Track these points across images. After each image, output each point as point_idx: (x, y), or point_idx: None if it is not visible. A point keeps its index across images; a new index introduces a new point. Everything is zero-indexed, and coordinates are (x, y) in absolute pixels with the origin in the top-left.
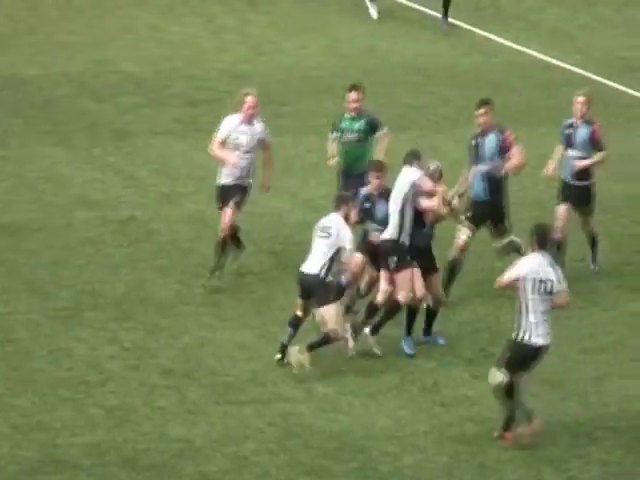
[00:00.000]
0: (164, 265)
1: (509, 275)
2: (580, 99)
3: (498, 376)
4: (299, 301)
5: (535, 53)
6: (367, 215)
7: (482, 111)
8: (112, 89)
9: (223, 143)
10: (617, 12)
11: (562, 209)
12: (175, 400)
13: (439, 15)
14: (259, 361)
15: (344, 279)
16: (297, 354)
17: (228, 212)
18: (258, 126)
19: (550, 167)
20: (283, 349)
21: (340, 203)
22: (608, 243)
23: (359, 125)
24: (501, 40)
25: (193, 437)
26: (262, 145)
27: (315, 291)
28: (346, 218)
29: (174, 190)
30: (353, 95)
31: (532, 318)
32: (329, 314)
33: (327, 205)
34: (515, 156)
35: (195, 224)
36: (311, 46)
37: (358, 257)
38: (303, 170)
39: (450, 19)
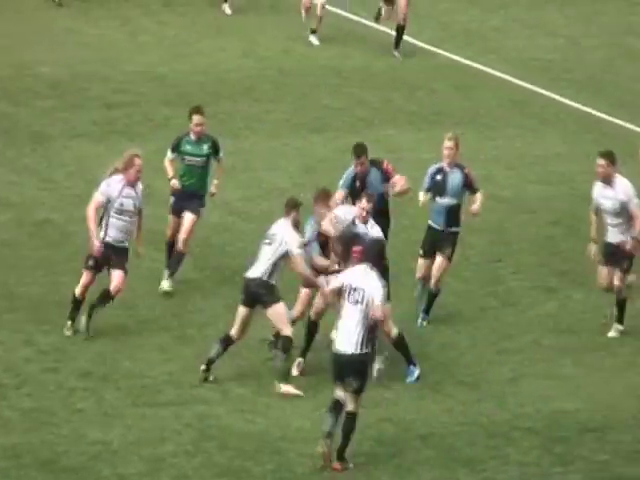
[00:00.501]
0: (80, 268)
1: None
2: (449, 144)
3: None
4: (240, 310)
5: (449, 54)
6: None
7: None
8: (29, 92)
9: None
10: (530, 13)
11: (423, 261)
12: (92, 402)
13: (354, 17)
14: (176, 363)
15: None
16: (280, 388)
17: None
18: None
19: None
20: (209, 363)
21: (289, 209)
22: (524, 244)
23: (205, 148)
24: (415, 41)
25: (110, 439)
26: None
27: (259, 294)
28: (295, 224)
29: (90, 193)
30: (198, 118)
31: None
32: (277, 313)
33: (244, 207)
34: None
35: None
36: (228, 48)
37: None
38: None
39: (364, 20)
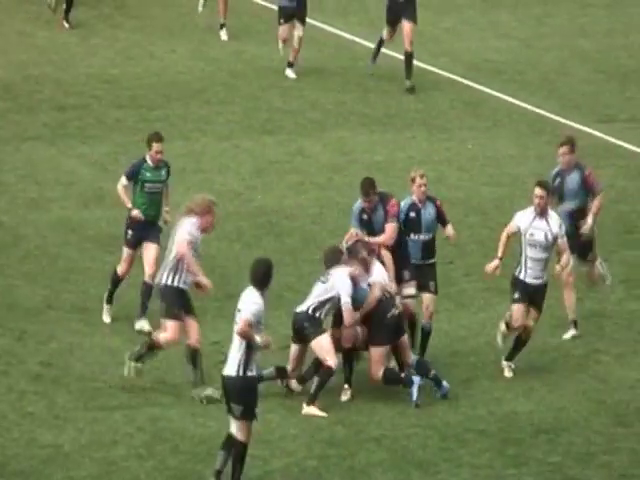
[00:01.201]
0: (32, 271)
1: None
2: (421, 181)
3: None
4: (292, 347)
5: (402, 56)
6: None
7: None
8: None
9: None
10: (483, 15)
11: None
12: (44, 406)
13: (307, 19)
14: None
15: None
16: (306, 410)
17: None
18: None
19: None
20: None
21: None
22: (476, 246)
23: (163, 174)
24: (368, 43)
25: (62, 443)
26: None
27: (303, 327)
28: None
29: (42, 195)
30: (158, 146)
31: None
32: (320, 345)
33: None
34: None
35: (63, 229)
36: (179, 50)
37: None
38: (171, 175)
39: (315, 22)
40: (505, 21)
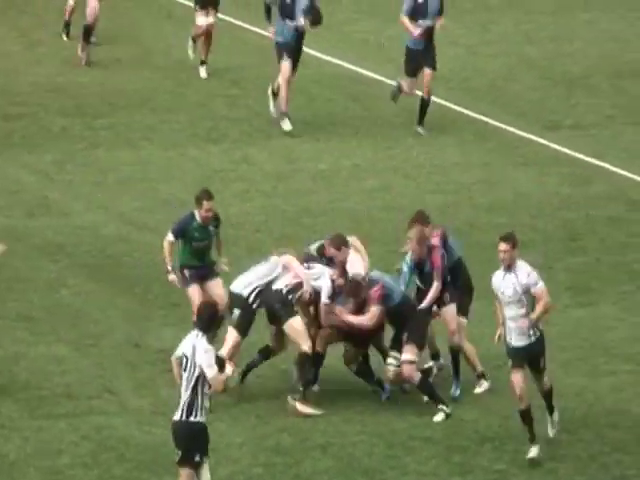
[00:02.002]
0: None
1: None
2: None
3: None
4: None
5: (347, 64)
6: None
7: None
8: None
9: None
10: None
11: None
12: None
13: (252, 28)
14: (73, 375)
15: None
16: (299, 408)
17: None
18: None
19: None
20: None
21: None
22: None
23: (211, 230)
24: (313, 52)
25: (7, 452)
26: None
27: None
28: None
29: None
30: (209, 204)
31: None
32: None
33: (140, 218)
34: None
35: (8, 238)
36: (124, 59)
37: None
38: (117, 183)
39: (262, 31)
40: (450, 28)
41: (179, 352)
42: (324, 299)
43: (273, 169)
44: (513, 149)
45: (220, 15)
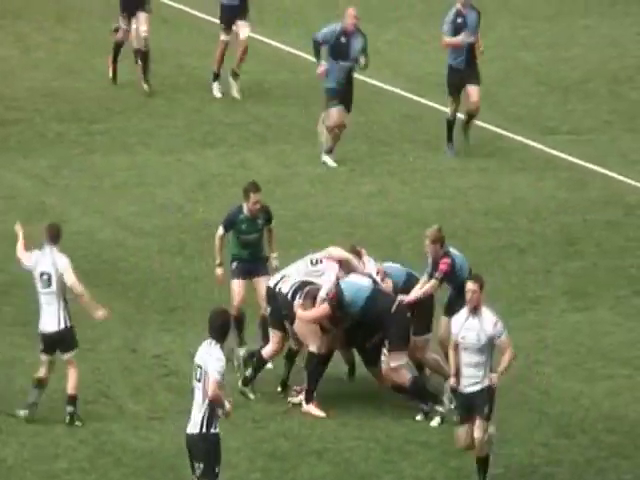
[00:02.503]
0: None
1: None
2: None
3: None
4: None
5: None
6: None
7: None
8: None
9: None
10: (424, 28)
11: None
12: None
13: (250, 34)
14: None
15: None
16: (305, 408)
17: None
18: None
19: None
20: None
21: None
22: (418, 258)
23: (260, 223)
24: (308, 57)
25: (4, 456)
26: None
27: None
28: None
29: None
30: (256, 196)
31: None
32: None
33: (137, 223)
34: None
35: (4, 243)
36: (120, 63)
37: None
38: (113, 188)
39: (256, 35)
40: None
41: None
42: (322, 293)
43: (270, 174)
44: (510, 154)
45: (215, 19)
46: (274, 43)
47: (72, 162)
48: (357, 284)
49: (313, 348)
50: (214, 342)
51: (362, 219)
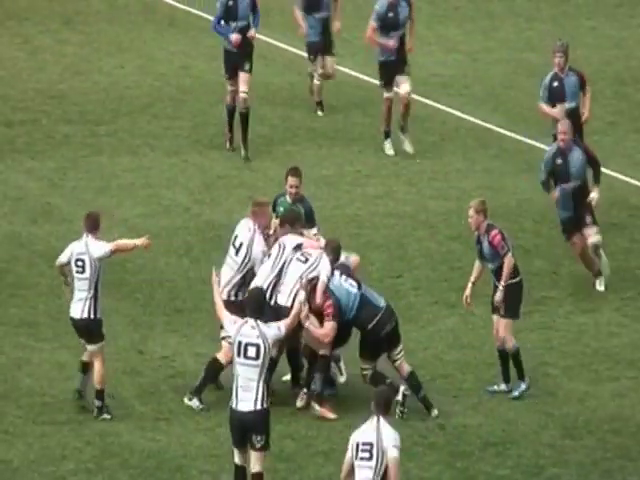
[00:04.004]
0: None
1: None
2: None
3: None
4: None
5: (349, 71)
6: None
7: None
8: None
9: None
10: (429, 29)
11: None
12: None
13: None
14: (77, 381)
15: None
16: (317, 410)
17: None
18: None
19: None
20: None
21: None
22: (424, 260)
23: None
24: None
25: (11, 457)
26: None
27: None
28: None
29: None
30: (293, 180)
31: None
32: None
33: (143, 224)
34: None
35: (11, 245)
36: (127, 65)
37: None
38: (119, 189)
39: (262, 37)
40: (452, 35)
41: (233, 339)
42: (323, 278)
43: (276, 175)
44: (515, 155)
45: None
46: (281, 45)
47: (79, 164)
48: (347, 290)
49: (323, 351)
50: (255, 320)
51: (368, 220)
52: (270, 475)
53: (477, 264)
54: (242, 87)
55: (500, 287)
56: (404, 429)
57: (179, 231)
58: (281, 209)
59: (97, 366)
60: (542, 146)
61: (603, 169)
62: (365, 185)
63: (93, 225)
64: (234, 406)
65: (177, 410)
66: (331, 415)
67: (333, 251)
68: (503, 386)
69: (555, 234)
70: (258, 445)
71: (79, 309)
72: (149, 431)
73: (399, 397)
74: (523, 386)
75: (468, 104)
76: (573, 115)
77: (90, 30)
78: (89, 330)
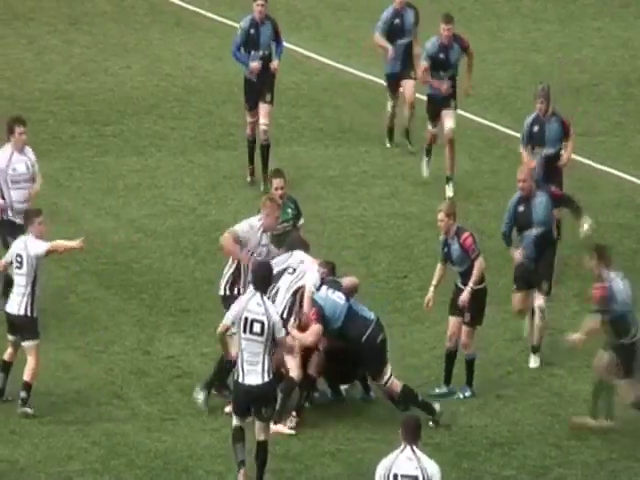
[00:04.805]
0: None
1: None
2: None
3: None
4: None
5: (356, 71)
6: None
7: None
8: None
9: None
10: (435, 29)
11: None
12: None
13: None
14: (83, 381)
15: None
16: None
17: None
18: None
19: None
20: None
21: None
22: (430, 260)
23: (289, 212)
24: (322, 59)
25: (17, 457)
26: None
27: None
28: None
29: None
30: (278, 182)
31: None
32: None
33: (150, 224)
34: None
35: None
36: (133, 66)
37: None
38: (125, 190)
39: None
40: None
41: (238, 316)
42: (309, 286)
43: None
44: (522, 156)
45: (234, 24)
46: (286, 45)
47: (85, 164)
48: (333, 300)
49: (294, 375)
50: (260, 294)
51: (374, 221)
52: (276, 475)
53: (439, 267)
54: (263, 119)
55: (468, 289)
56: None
57: (185, 231)
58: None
59: (31, 362)
60: None
61: (610, 169)
62: (371, 186)
63: (28, 221)
64: (240, 380)
65: (183, 410)
66: (286, 431)
67: (327, 266)
68: (444, 388)
69: (562, 235)
70: (266, 416)
71: (16, 304)
72: (155, 431)
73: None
74: (468, 392)
75: (475, 105)
76: (551, 160)
77: (97, 31)
78: (23, 327)
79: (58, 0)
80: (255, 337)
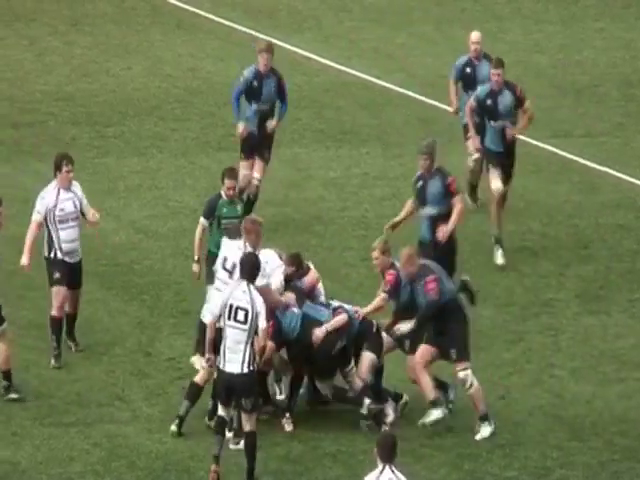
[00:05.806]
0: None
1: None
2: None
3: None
4: None
5: (357, 72)
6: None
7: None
8: None
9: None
10: (437, 30)
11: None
12: (0, 422)
13: (261, 36)
14: (84, 383)
15: None
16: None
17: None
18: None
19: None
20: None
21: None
22: None
23: (239, 209)
24: (323, 60)
25: (18, 459)
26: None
27: None
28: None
29: None
30: (231, 182)
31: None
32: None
33: (151, 226)
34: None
35: (19, 247)
36: (134, 67)
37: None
38: (126, 191)
39: (270, 38)
40: (459, 37)
41: (224, 304)
42: (276, 283)
43: (284, 177)
44: (523, 157)
45: (235, 25)
46: (288, 46)
47: (86, 165)
48: (291, 311)
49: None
50: (246, 283)
51: (375, 222)
52: (277, 477)
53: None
54: (256, 174)
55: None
56: (411, 431)
57: (186, 233)
58: (224, 210)
59: (2, 347)
60: (550, 147)
61: (610, 170)
62: (372, 187)
63: None
64: (221, 367)
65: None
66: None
67: (293, 262)
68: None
69: (562, 236)
70: (248, 408)
71: None
72: (156, 433)
73: (363, 410)
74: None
75: None
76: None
77: (98, 32)
78: None
79: (59, 1)
80: (239, 325)
